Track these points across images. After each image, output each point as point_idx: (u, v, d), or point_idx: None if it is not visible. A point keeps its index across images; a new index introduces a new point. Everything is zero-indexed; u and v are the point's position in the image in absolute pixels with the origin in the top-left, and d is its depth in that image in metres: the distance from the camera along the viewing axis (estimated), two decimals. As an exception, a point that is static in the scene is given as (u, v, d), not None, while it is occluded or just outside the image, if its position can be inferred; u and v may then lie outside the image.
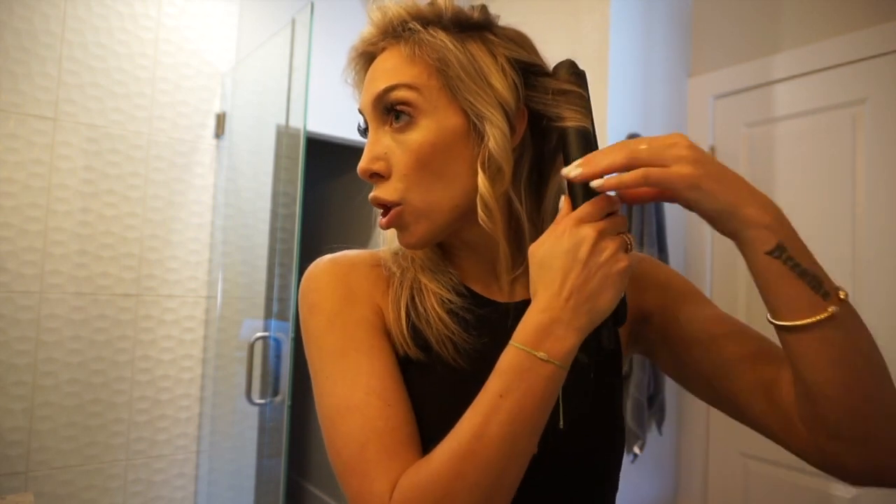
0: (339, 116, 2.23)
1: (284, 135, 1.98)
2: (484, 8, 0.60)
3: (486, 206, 0.57)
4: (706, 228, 1.95)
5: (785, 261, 0.49)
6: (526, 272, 0.64)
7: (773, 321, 0.51)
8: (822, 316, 0.48)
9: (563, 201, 0.57)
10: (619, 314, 0.54)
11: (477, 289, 0.64)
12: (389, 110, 0.58)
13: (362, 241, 2.78)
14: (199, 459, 2.10)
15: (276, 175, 2.07)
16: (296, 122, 1.76)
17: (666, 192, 0.50)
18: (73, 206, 1.88)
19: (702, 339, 0.63)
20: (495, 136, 0.56)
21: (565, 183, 0.56)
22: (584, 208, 0.52)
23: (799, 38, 1.79)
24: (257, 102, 2.04)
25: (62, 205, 1.87)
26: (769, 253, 0.49)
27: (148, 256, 2.01)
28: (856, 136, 1.66)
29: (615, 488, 0.65)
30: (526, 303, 0.63)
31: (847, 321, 0.49)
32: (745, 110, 1.92)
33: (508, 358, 0.51)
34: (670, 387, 1.94)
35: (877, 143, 1.61)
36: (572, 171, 0.52)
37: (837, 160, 1.69)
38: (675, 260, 1.94)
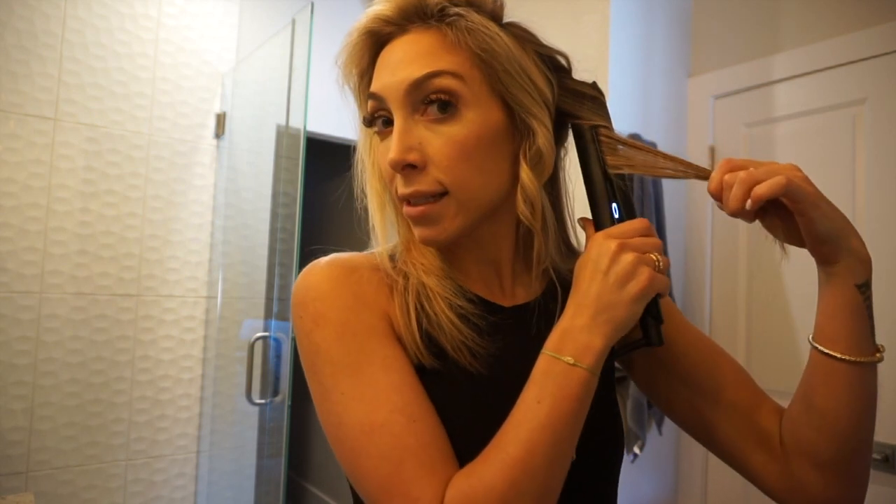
0: (339, 116, 2.23)
1: (284, 135, 1.98)
2: (504, 4, 0.59)
3: (528, 199, 0.56)
4: (706, 222, 1.95)
5: (866, 298, 0.53)
6: (527, 272, 0.64)
7: (824, 349, 0.54)
8: (874, 358, 0.53)
9: (583, 223, 0.59)
10: (655, 313, 0.55)
11: (479, 291, 0.62)
12: (427, 99, 0.54)
13: (363, 241, 2.78)
14: (199, 459, 2.10)
15: (276, 175, 2.07)
16: (296, 122, 1.76)
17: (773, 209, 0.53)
18: (73, 206, 1.88)
19: (683, 351, 0.65)
20: (543, 132, 0.56)
21: (590, 199, 0.58)
22: (616, 227, 0.54)
23: (799, 38, 1.79)
24: (257, 102, 2.04)
25: (62, 205, 1.87)
26: (859, 286, 0.53)
27: (148, 256, 2.01)
28: (856, 136, 1.66)
29: (616, 487, 0.65)
30: (525, 306, 0.63)
31: (876, 371, 0.54)
32: (745, 110, 1.92)
33: (540, 365, 0.52)
34: (670, 387, 1.94)
35: (877, 143, 1.61)
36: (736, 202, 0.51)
37: (837, 160, 1.68)
38: (675, 253, 1.94)
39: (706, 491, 1.94)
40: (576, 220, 0.67)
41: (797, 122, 1.79)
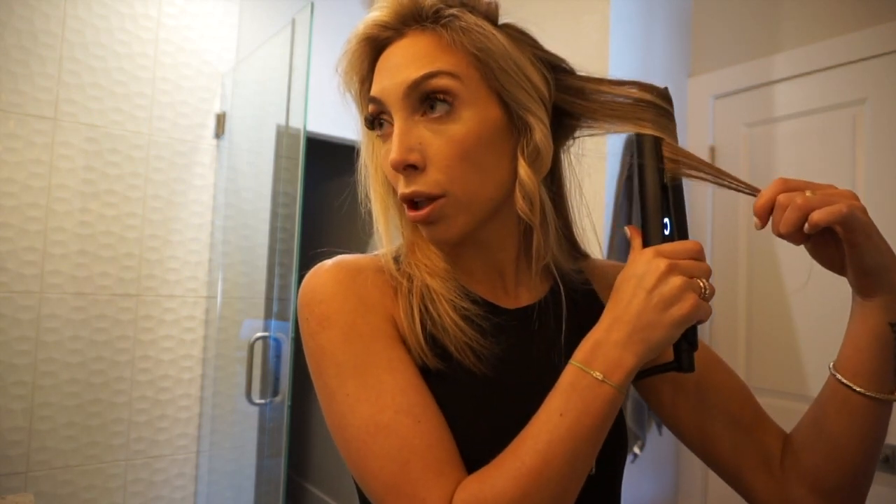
0: (339, 116, 2.22)
1: (284, 135, 1.98)
2: (498, 5, 0.60)
3: (527, 194, 0.56)
4: (706, 223, 1.95)
5: None
6: (530, 272, 0.64)
7: (844, 380, 0.55)
8: (892, 397, 0.54)
9: (630, 232, 0.57)
10: (692, 339, 0.54)
11: (482, 292, 0.62)
12: (425, 99, 0.55)
13: (363, 242, 2.78)
14: (199, 459, 2.10)
15: (276, 175, 2.08)
16: (296, 122, 1.76)
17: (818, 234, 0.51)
18: (73, 206, 1.88)
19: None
20: (540, 128, 0.56)
21: (643, 214, 0.57)
22: (668, 246, 0.53)
23: (799, 38, 1.79)
24: (257, 102, 2.05)
25: (62, 205, 1.87)
26: (892, 324, 0.52)
27: (148, 256, 2.01)
28: (856, 136, 1.66)
29: (620, 487, 0.65)
30: (529, 308, 0.63)
31: (891, 408, 0.55)
32: (745, 110, 1.92)
33: (567, 376, 0.51)
34: (670, 387, 1.94)
35: (877, 143, 1.61)
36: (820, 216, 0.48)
37: (837, 160, 1.69)
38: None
39: (706, 491, 1.94)
40: (580, 219, 0.67)
41: (797, 122, 1.79)
